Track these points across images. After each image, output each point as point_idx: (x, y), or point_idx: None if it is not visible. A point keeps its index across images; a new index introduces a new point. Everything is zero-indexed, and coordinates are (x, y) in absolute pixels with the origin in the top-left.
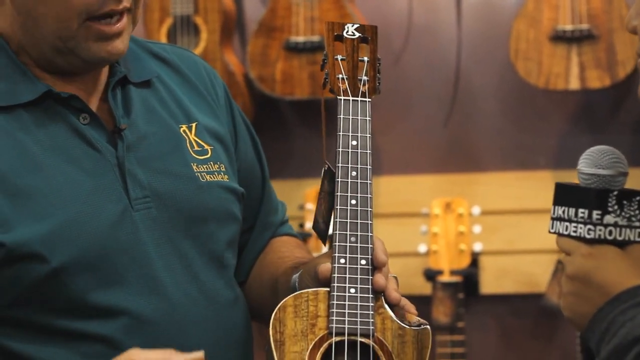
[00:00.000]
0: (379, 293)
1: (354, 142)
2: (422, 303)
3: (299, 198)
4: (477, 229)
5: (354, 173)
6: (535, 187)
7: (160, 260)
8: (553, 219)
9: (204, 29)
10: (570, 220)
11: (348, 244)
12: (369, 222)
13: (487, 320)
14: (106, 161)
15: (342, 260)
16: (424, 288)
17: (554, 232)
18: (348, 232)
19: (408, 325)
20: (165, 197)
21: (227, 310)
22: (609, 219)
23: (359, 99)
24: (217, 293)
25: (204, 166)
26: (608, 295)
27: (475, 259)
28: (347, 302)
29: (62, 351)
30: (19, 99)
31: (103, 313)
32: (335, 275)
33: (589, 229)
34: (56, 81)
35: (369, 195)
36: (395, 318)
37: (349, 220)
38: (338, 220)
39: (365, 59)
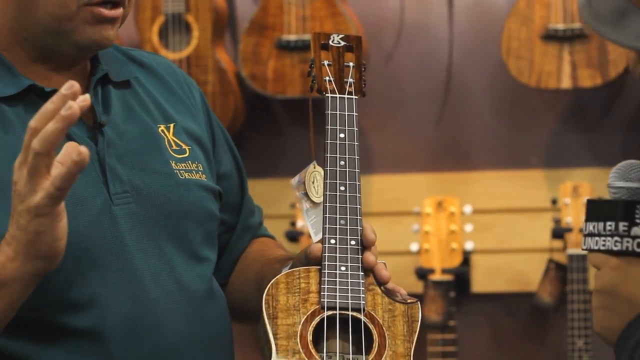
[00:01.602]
0: (369, 271)
1: (342, 135)
2: None
3: (290, 196)
4: (468, 227)
5: (342, 162)
6: (527, 186)
7: (138, 254)
8: (585, 235)
9: (195, 27)
10: (599, 235)
11: (338, 226)
12: (358, 206)
13: (478, 319)
14: None
15: (332, 241)
16: (416, 287)
17: (586, 249)
18: (337, 215)
19: (398, 301)
20: (144, 192)
21: (204, 305)
22: (636, 230)
23: (346, 96)
24: (194, 287)
25: (182, 164)
26: (637, 308)
27: (466, 257)
28: (337, 279)
29: (43, 346)
30: (2, 92)
31: (83, 306)
32: (326, 254)
33: (616, 241)
34: (39, 77)
35: (357, 183)
36: (385, 294)
37: (338, 205)
38: (327, 204)
39: (351, 64)
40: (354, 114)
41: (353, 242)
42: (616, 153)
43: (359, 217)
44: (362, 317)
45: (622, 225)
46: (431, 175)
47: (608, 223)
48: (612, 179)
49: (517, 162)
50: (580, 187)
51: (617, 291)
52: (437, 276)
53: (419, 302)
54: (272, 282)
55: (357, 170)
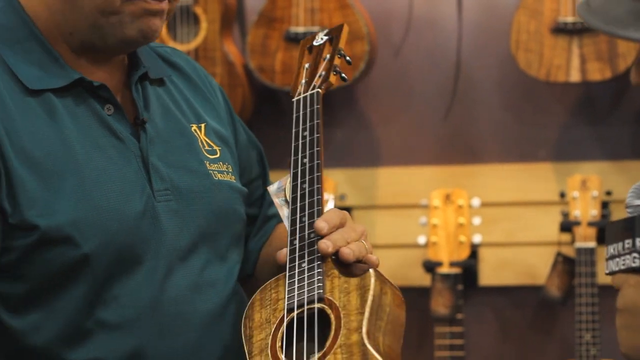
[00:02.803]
0: (329, 258)
1: (305, 133)
2: (421, 295)
3: None
4: (476, 220)
5: (304, 160)
6: (535, 179)
7: (176, 252)
8: (607, 259)
9: (203, 19)
10: (619, 255)
11: (298, 225)
12: (316, 197)
13: (486, 312)
14: (130, 152)
15: (295, 241)
16: (423, 279)
17: (609, 273)
18: (298, 215)
19: (352, 276)
20: (183, 191)
21: (229, 304)
22: None
23: (309, 93)
24: (221, 287)
25: (215, 165)
26: None
27: (474, 250)
28: (297, 277)
29: (75, 341)
30: (51, 85)
31: (120, 301)
32: (288, 256)
33: (635, 257)
34: (85, 69)
35: (316, 174)
36: (341, 274)
37: (299, 204)
38: (291, 207)
39: (328, 56)
40: (315, 107)
41: (312, 235)
42: (625, 146)
43: (316, 209)
44: (316, 305)
45: (639, 241)
46: (439, 168)
47: (626, 242)
48: (629, 198)
49: (525, 155)
50: (588, 180)
51: (639, 308)
52: (444, 269)
53: (371, 270)
54: (249, 303)
55: (316, 162)
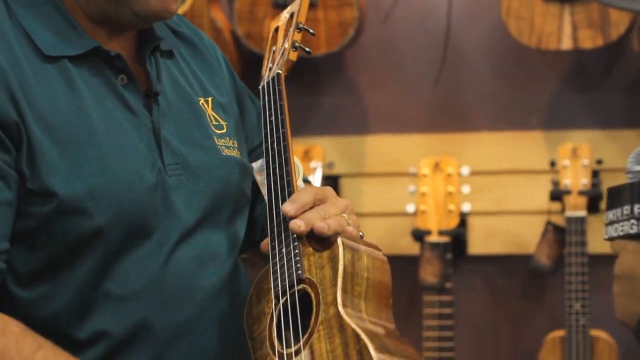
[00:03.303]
0: (305, 237)
1: (272, 118)
2: (410, 263)
3: None
4: (466, 189)
5: (274, 145)
6: (526, 148)
7: (184, 226)
8: (606, 225)
9: None
10: (618, 221)
11: (274, 210)
12: (286, 179)
13: (475, 281)
14: (142, 124)
15: (274, 227)
16: (412, 248)
17: (608, 239)
18: (273, 200)
19: (322, 250)
20: (193, 165)
21: (231, 277)
22: None
23: (270, 77)
24: (223, 260)
25: (223, 140)
26: None
27: (463, 219)
28: (278, 264)
29: (83, 312)
30: (68, 51)
31: (130, 273)
32: (270, 244)
33: (633, 224)
34: (100, 39)
35: (286, 155)
36: (315, 250)
37: (272, 190)
38: (267, 197)
39: (290, 31)
40: (277, 89)
41: (287, 218)
42: (616, 115)
43: (287, 191)
44: (296, 288)
45: (637, 208)
46: (428, 136)
47: (625, 207)
48: (630, 163)
49: (515, 123)
50: (579, 148)
51: (637, 275)
52: (433, 238)
53: (339, 239)
54: (247, 299)
55: (283, 144)
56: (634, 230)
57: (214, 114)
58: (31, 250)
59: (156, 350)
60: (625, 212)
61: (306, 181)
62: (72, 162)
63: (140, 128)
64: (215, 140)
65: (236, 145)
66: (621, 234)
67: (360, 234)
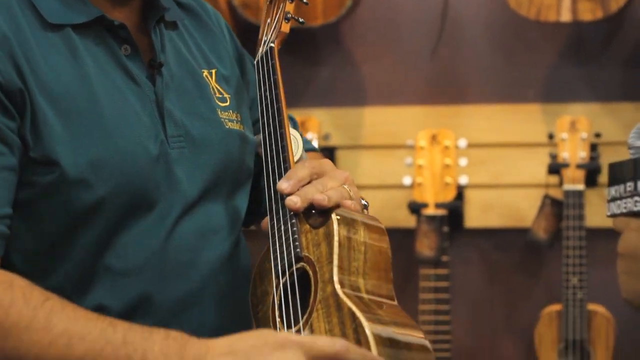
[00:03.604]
0: (302, 214)
1: (267, 94)
2: (406, 236)
3: None
4: (463, 161)
5: (270, 121)
6: (524, 120)
7: (185, 199)
8: (608, 201)
9: None
10: (620, 198)
11: (272, 190)
12: (282, 155)
13: (471, 255)
14: (145, 96)
15: (272, 205)
16: (408, 221)
17: (610, 215)
18: (271, 178)
19: (318, 226)
20: (196, 138)
21: (233, 251)
22: None
23: (263, 52)
24: (227, 234)
25: (226, 113)
26: None
27: (460, 192)
28: (277, 242)
29: (83, 285)
30: (72, 20)
31: (129, 247)
32: (269, 222)
33: (637, 201)
34: (106, 8)
35: (279, 132)
36: (312, 227)
37: (270, 167)
38: (265, 175)
39: (281, 4)
40: (271, 63)
41: (285, 195)
42: (615, 88)
43: (284, 167)
44: (296, 267)
45: None
46: (425, 108)
47: (628, 184)
48: (632, 138)
49: (514, 95)
50: (578, 121)
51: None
52: (430, 211)
53: (332, 215)
54: (251, 280)
55: (278, 119)
56: (638, 207)
57: (218, 87)
58: (32, 221)
59: (156, 324)
60: (628, 188)
61: (310, 150)
62: (74, 132)
63: (143, 99)
64: (219, 113)
65: (239, 119)
66: (624, 211)
67: (365, 203)
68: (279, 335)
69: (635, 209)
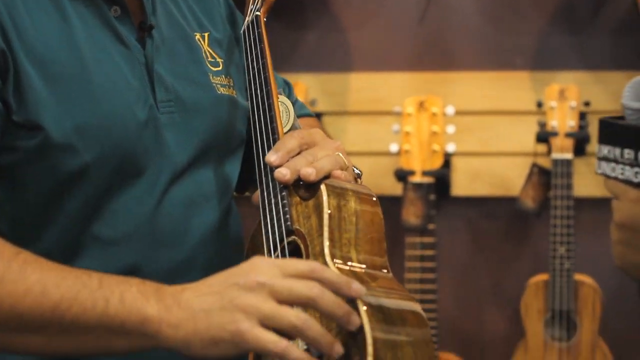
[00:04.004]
0: (291, 186)
1: (254, 64)
2: (393, 204)
3: None
4: (450, 129)
5: (257, 91)
6: (512, 88)
7: (174, 166)
8: (599, 158)
9: None
10: (616, 161)
11: (262, 162)
12: (271, 126)
13: (458, 223)
14: (134, 59)
15: (262, 178)
16: (395, 188)
17: (601, 174)
18: (260, 149)
19: (308, 198)
20: (187, 103)
21: (224, 220)
22: None
23: (249, 21)
24: (218, 203)
25: (218, 78)
26: None
27: (447, 160)
28: (268, 216)
29: (71, 253)
30: None
31: (118, 215)
32: (260, 196)
33: (637, 172)
34: None
35: (267, 102)
36: (302, 199)
37: (259, 138)
38: (254, 147)
39: None
40: (257, 32)
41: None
42: (605, 56)
43: (272, 138)
44: (286, 240)
45: None
46: (413, 75)
47: (626, 151)
48: (626, 97)
49: (502, 63)
50: (567, 90)
51: (638, 226)
52: (417, 178)
53: (322, 186)
54: (245, 252)
55: (266, 89)
56: (638, 179)
57: (210, 50)
58: (17, 187)
59: None
60: (627, 155)
61: (305, 115)
62: (60, 97)
63: (133, 62)
64: (211, 77)
65: (232, 84)
66: (620, 177)
67: (358, 172)
68: (250, 276)
69: (635, 180)
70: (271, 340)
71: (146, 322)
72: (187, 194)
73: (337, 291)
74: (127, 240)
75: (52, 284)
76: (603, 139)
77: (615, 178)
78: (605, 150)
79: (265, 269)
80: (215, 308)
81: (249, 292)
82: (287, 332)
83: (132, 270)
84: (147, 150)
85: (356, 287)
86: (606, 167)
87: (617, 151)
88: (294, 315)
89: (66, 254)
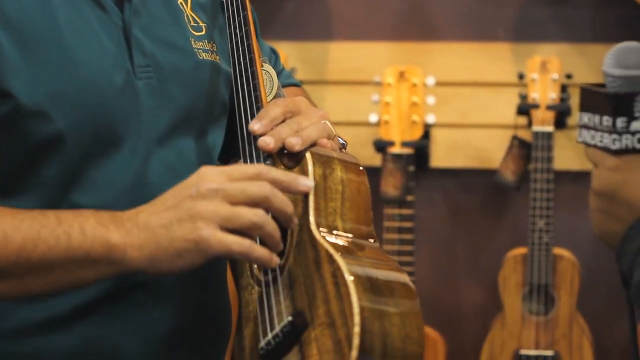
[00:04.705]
0: (276, 155)
1: (236, 31)
2: (371, 175)
3: None
4: (430, 100)
5: (241, 58)
6: (493, 60)
7: (154, 134)
8: (580, 126)
9: None
10: (595, 129)
11: (245, 131)
12: (254, 94)
13: (436, 195)
14: (112, 23)
15: (245, 147)
16: (374, 159)
17: (582, 142)
18: (243, 117)
19: (292, 167)
20: (165, 68)
21: None
22: (636, 125)
23: None
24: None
25: (200, 43)
26: (638, 212)
27: (427, 131)
28: None
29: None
30: None
31: (96, 184)
32: (242, 164)
33: (614, 139)
34: None
35: (250, 70)
36: (287, 167)
37: (242, 107)
38: (237, 115)
39: None
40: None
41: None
42: (586, 29)
43: (256, 106)
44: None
45: (620, 121)
46: (394, 44)
47: (605, 118)
48: (607, 65)
49: (484, 34)
50: (549, 62)
51: (616, 194)
52: (396, 149)
53: (307, 154)
54: None
55: (249, 56)
56: (616, 146)
57: (193, 14)
58: None
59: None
60: (605, 122)
61: (290, 84)
62: (32, 61)
63: (110, 26)
64: (192, 42)
65: (214, 49)
66: (599, 144)
67: (343, 142)
68: (201, 185)
69: (612, 147)
70: (234, 241)
71: (111, 249)
72: (168, 163)
73: (286, 189)
74: (108, 209)
75: (10, 228)
76: (583, 107)
77: (595, 146)
78: (586, 117)
79: (214, 176)
80: (173, 221)
81: (203, 199)
82: (247, 232)
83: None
84: (125, 117)
85: (304, 182)
86: (586, 135)
87: (597, 118)
88: (251, 213)
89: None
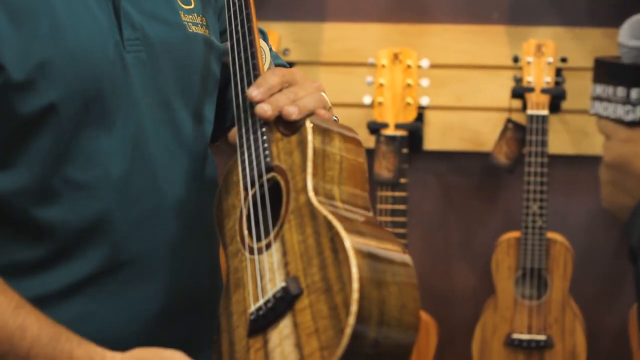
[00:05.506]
0: (273, 123)
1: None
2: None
3: None
4: (425, 82)
5: (239, 28)
6: (488, 42)
7: (145, 108)
8: (593, 98)
9: None
10: (609, 100)
11: (241, 97)
12: (252, 62)
13: (429, 178)
14: None
15: (240, 114)
16: (368, 141)
17: (594, 114)
18: (239, 86)
19: (290, 134)
20: (155, 42)
21: (202, 167)
22: None
23: None
24: (195, 148)
25: (190, 16)
26: None
27: (421, 113)
28: (246, 153)
29: (39, 199)
30: None
31: (86, 157)
32: (237, 132)
33: (628, 110)
34: None
35: (248, 39)
36: (284, 135)
37: (238, 75)
38: (232, 80)
39: None
40: None
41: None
42: (581, 12)
43: (253, 74)
44: (267, 177)
45: (634, 92)
46: (388, 26)
47: (619, 89)
48: (623, 36)
49: (479, 16)
50: (544, 45)
51: (627, 166)
52: (390, 131)
53: (307, 121)
54: (216, 194)
55: (248, 25)
56: (629, 117)
57: None
58: None
59: (115, 242)
60: (619, 93)
61: (279, 65)
62: (22, 32)
63: None
64: (182, 15)
65: (205, 23)
66: (612, 115)
67: (335, 118)
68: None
69: (626, 118)
70: None
71: None
72: (162, 137)
73: None
74: (98, 185)
75: None
76: (597, 78)
77: (607, 117)
78: (599, 89)
79: None
80: None
81: None
82: None
83: (102, 216)
84: (115, 90)
85: None
86: (599, 107)
87: (610, 90)
88: None
89: (39, 197)
